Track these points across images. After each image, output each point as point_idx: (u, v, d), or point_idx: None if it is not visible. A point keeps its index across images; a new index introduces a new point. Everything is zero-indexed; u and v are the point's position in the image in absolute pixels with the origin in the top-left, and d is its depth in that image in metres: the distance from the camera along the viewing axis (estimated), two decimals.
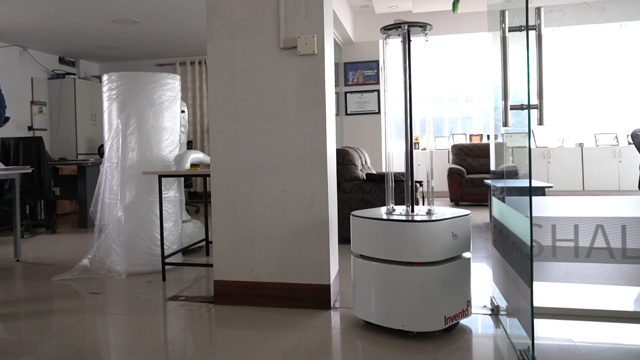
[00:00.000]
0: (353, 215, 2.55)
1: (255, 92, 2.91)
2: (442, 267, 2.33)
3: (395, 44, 2.47)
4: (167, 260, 3.63)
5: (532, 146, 7.80)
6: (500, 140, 2.61)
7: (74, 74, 8.33)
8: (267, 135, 2.89)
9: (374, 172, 5.13)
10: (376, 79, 7.88)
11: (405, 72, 2.56)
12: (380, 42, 2.73)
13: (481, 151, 7.93)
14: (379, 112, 7.89)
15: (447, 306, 2.34)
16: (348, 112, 7.89)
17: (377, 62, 7.87)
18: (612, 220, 2.56)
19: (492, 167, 2.93)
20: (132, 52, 8.32)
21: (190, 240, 4.36)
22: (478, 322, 2.58)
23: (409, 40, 2.55)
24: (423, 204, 4.92)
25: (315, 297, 2.82)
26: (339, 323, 2.60)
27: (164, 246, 3.64)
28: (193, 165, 4.02)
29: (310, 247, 2.83)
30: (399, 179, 4.68)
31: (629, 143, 7.36)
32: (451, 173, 7.39)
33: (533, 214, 1.88)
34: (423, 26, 2.55)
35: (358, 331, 2.48)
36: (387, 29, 2.59)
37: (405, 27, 2.52)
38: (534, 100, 1.96)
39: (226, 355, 2.24)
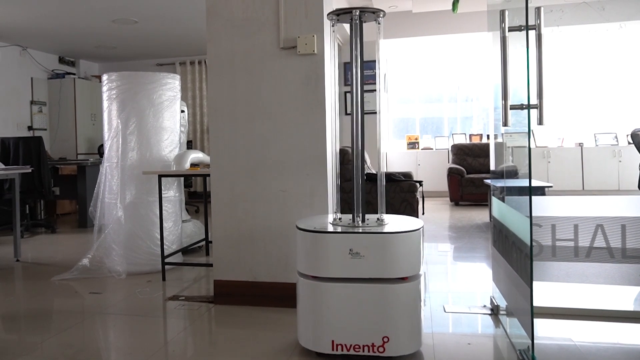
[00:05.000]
0: (301, 229, 2.18)
1: (255, 91, 2.91)
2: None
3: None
4: (167, 260, 3.63)
5: (532, 146, 7.80)
6: (500, 140, 2.61)
7: (74, 74, 8.33)
8: (267, 135, 2.89)
9: (374, 172, 5.13)
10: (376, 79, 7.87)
11: (355, 61, 2.36)
12: (328, 30, 2.56)
13: (481, 151, 7.93)
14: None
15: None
16: (348, 112, 7.89)
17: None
18: (612, 220, 2.56)
19: (492, 167, 2.94)
20: (132, 52, 8.32)
21: (190, 240, 4.36)
22: (478, 322, 2.58)
23: (361, 27, 2.29)
24: (423, 204, 4.93)
25: None
26: None
27: (164, 246, 3.64)
28: (193, 165, 4.02)
29: None
30: (398, 178, 4.68)
31: (629, 143, 7.36)
32: (451, 173, 7.40)
33: (533, 214, 1.88)
34: (376, 12, 2.28)
35: None
36: (337, 14, 2.28)
37: (357, 13, 2.24)
38: (534, 100, 1.96)
39: (226, 355, 2.24)
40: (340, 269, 2.07)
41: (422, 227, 2.18)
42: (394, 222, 2.27)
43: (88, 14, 6.02)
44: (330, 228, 2.17)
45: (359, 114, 2.33)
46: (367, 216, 2.35)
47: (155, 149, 3.87)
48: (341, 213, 2.43)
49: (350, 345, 2.07)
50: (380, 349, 2.06)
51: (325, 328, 2.09)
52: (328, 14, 2.31)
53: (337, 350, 2.07)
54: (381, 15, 2.32)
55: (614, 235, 2.55)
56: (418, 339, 2.12)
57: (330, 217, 2.44)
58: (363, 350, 2.06)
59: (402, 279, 2.08)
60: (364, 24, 2.36)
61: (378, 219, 2.32)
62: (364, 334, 2.06)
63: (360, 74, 2.33)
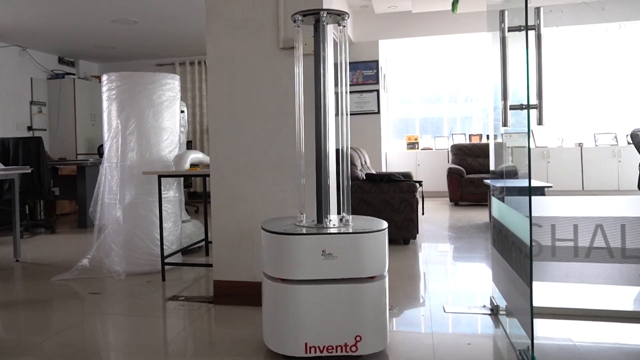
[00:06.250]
0: (267, 231, 2.16)
1: (254, 92, 2.91)
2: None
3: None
4: (166, 260, 3.63)
5: (532, 146, 7.79)
6: (499, 140, 2.61)
7: (74, 74, 8.33)
8: (267, 135, 2.89)
9: (374, 172, 5.13)
10: (376, 79, 7.88)
11: (323, 62, 2.31)
12: (297, 29, 2.51)
13: (481, 151, 7.93)
14: (378, 112, 7.90)
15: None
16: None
17: (377, 62, 7.87)
18: (612, 220, 2.56)
19: (492, 167, 2.94)
20: (132, 52, 8.32)
21: (190, 240, 4.35)
22: (478, 322, 2.58)
23: (324, 28, 2.27)
24: (423, 204, 4.92)
25: None
26: None
27: (164, 246, 3.64)
28: (192, 165, 4.02)
29: None
30: (398, 178, 4.68)
31: (629, 143, 7.36)
32: (451, 173, 7.40)
33: (532, 214, 1.88)
34: (340, 14, 2.26)
35: None
36: (304, 14, 2.26)
37: (324, 14, 2.22)
38: (534, 100, 1.96)
39: (226, 355, 2.24)
40: (312, 270, 2.06)
41: (387, 226, 2.20)
42: (359, 222, 2.28)
43: (87, 14, 6.02)
44: (300, 229, 2.14)
45: (325, 113, 2.31)
46: (330, 216, 2.35)
47: (155, 149, 3.87)
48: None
49: (324, 347, 2.06)
50: (353, 348, 2.06)
51: (298, 331, 2.06)
52: (292, 15, 2.28)
53: (310, 352, 2.05)
54: (346, 18, 2.30)
55: (613, 235, 2.55)
56: (386, 336, 2.14)
57: (291, 218, 2.41)
58: (336, 351, 2.06)
59: (371, 278, 2.09)
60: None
61: (342, 219, 2.30)
62: (337, 334, 2.06)
63: (326, 74, 2.30)
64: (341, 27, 2.33)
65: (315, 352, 2.06)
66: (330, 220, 2.28)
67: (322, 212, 2.27)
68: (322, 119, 2.31)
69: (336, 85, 2.55)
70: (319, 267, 2.05)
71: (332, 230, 2.12)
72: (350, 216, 2.33)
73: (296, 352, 2.07)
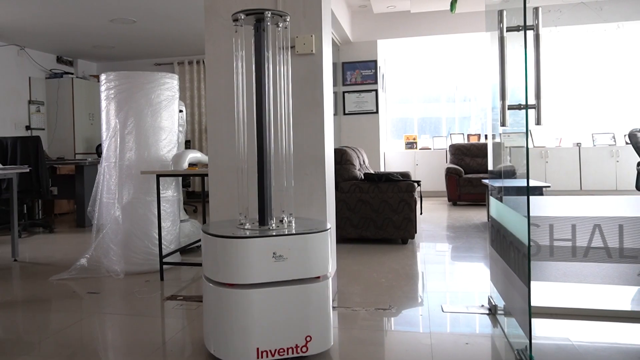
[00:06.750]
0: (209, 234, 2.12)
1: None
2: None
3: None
4: (165, 260, 3.63)
5: (530, 146, 7.80)
6: (498, 140, 2.61)
7: (72, 74, 8.32)
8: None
9: (372, 171, 5.14)
10: (374, 79, 7.88)
11: (265, 63, 2.27)
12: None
13: (479, 151, 7.94)
14: (377, 112, 7.90)
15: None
16: (346, 112, 7.89)
17: (375, 62, 7.87)
18: (610, 220, 2.56)
19: (490, 167, 2.94)
20: (130, 52, 8.31)
21: (188, 239, 4.35)
22: (476, 322, 2.58)
23: (267, 29, 2.23)
24: (421, 204, 4.93)
25: None
26: (337, 322, 2.60)
27: (162, 246, 3.64)
28: (191, 164, 4.02)
29: None
30: (396, 178, 4.68)
31: (627, 143, 7.37)
32: (449, 173, 7.40)
33: (531, 214, 1.88)
34: (283, 15, 2.24)
35: (358, 329, 2.48)
36: (248, 14, 2.20)
37: (269, 14, 2.18)
38: (532, 100, 1.96)
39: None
40: (263, 273, 2.03)
41: (331, 226, 2.21)
42: (300, 222, 2.28)
43: (86, 14, 6.02)
44: (247, 232, 2.10)
45: (267, 115, 2.28)
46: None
47: (154, 149, 3.87)
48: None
49: (275, 350, 2.04)
50: (304, 349, 2.06)
51: (248, 336, 2.02)
52: (233, 14, 2.23)
53: (262, 357, 2.02)
54: (287, 20, 2.28)
55: (611, 235, 2.56)
56: (331, 334, 2.16)
57: (230, 221, 2.39)
58: (287, 353, 2.05)
59: (317, 278, 2.11)
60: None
61: (282, 220, 2.28)
62: (288, 336, 2.05)
63: (269, 74, 2.28)
64: (280, 28, 2.30)
65: (267, 356, 2.03)
66: (273, 221, 2.26)
67: (265, 213, 2.25)
68: (263, 119, 2.27)
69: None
70: (270, 269, 2.03)
71: (279, 232, 2.09)
72: (291, 217, 2.31)
73: (247, 358, 2.03)
